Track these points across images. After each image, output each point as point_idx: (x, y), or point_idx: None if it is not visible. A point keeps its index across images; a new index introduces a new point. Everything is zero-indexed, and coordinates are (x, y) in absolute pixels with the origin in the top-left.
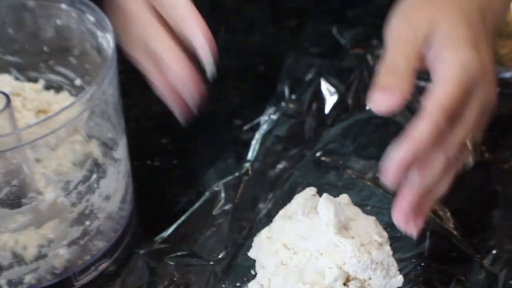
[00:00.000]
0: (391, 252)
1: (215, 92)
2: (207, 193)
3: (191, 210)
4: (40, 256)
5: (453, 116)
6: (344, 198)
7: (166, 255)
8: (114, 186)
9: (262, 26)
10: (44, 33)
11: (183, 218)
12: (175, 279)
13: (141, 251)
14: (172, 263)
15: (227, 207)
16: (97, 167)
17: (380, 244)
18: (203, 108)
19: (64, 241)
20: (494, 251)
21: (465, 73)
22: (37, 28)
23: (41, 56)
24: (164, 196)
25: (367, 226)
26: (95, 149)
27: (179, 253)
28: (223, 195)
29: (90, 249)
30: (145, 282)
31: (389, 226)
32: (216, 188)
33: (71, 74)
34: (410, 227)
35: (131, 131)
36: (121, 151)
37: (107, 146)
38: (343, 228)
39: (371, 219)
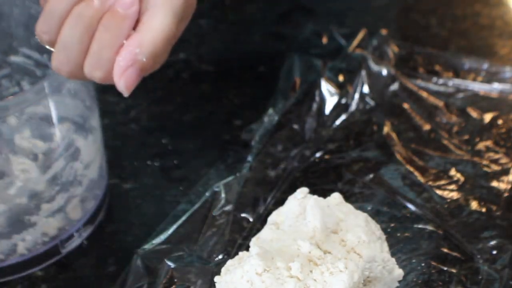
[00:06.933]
0: (386, 248)
1: (215, 92)
2: (207, 194)
3: (191, 210)
4: (30, 225)
5: None
6: (335, 197)
7: (166, 255)
8: (93, 154)
9: (262, 26)
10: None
11: (183, 218)
12: (175, 279)
13: (141, 251)
14: (172, 264)
15: (227, 207)
16: (77, 134)
17: (369, 242)
18: None
19: (52, 209)
20: (494, 251)
21: None
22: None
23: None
24: (164, 196)
25: (356, 226)
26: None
27: (179, 253)
28: (223, 195)
29: (74, 216)
30: (145, 282)
31: (389, 227)
32: (216, 189)
33: (35, 55)
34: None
35: (131, 131)
36: (96, 119)
37: (83, 117)
38: (331, 233)
39: (362, 217)
